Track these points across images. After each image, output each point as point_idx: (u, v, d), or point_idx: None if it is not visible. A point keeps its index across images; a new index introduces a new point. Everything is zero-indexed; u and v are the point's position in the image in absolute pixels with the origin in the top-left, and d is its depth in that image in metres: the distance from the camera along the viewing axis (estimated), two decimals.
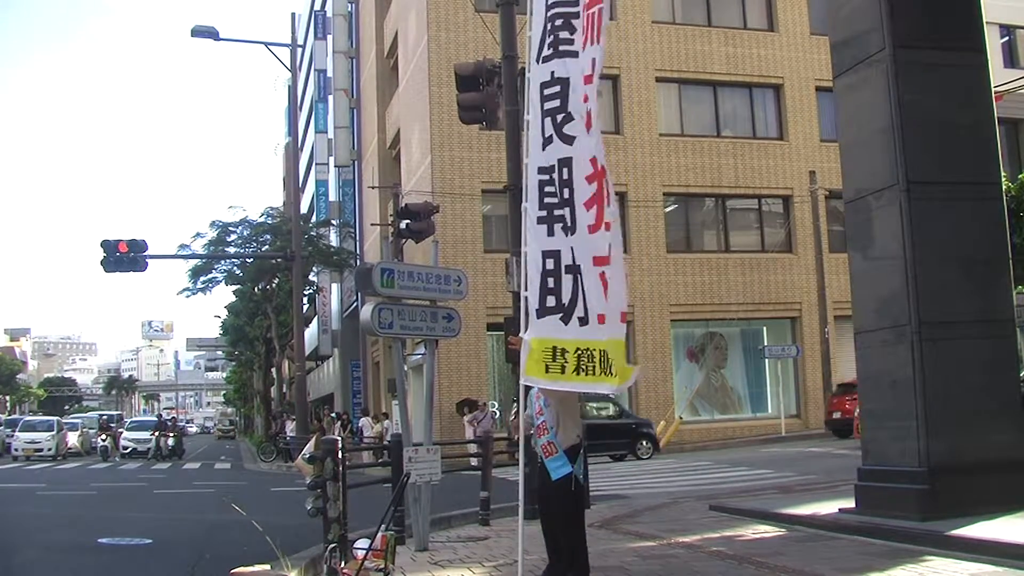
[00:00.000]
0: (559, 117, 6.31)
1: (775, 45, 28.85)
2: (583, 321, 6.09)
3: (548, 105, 6.40)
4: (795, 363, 27.88)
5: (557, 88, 6.35)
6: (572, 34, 6.33)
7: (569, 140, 6.25)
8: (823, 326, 26.65)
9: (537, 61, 6.54)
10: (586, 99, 6.18)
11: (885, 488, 8.50)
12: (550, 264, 6.29)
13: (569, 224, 6.22)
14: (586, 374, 6.02)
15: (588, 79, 6.20)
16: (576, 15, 6.32)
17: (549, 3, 6.50)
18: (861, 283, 9.28)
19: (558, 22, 6.41)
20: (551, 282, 6.27)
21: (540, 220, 6.39)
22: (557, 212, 6.30)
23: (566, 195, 6.24)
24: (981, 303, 8.64)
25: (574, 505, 6.49)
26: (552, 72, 6.39)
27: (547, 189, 6.38)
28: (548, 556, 6.69)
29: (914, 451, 8.24)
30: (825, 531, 8.70)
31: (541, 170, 6.42)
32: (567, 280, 6.20)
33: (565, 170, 6.23)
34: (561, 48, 6.37)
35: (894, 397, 8.58)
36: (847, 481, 9.99)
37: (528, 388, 6.74)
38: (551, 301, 6.26)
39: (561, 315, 6.19)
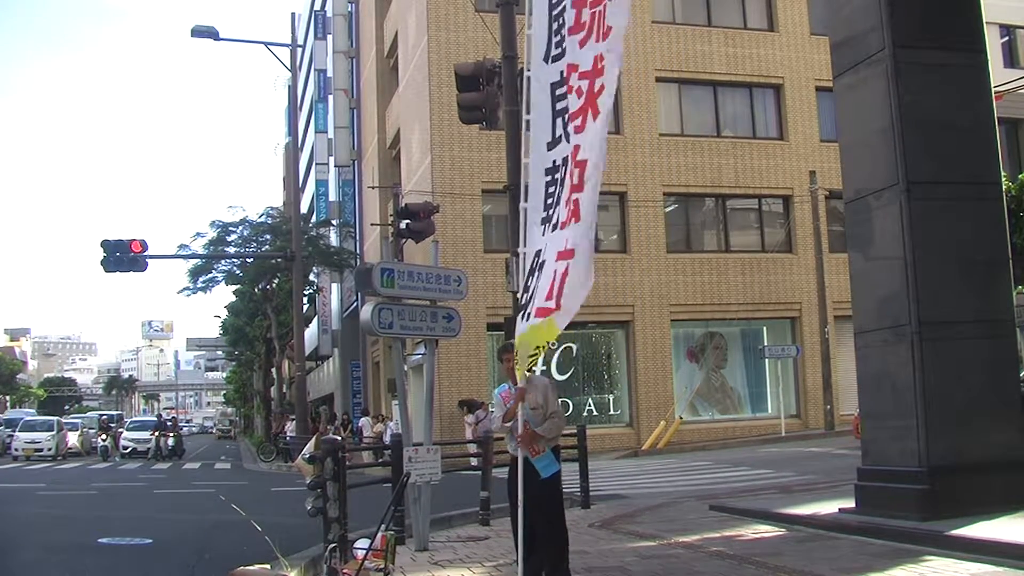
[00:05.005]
0: (567, 116, 6.24)
1: (775, 45, 28.84)
2: (528, 316, 6.18)
3: (559, 105, 6.33)
4: (795, 363, 27.86)
5: (565, 88, 6.27)
6: (570, 33, 6.28)
7: (568, 137, 6.24)
8: (823, 326, 26.63)
9: (546, 61, 6.46)
10: (579, 93, 6.07)
11: (885, 488, 8.50)
12: (536, 262, 6.34)
13: (555, 221, 6.22)
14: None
15: (584, 75, 6.08)
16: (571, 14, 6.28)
17: (552, 2, 6.45)
18: (861, 283, 9.28)
19: (561, 20, 6.35)
20: (531, 280, 6.36)
21: (543, 220, 6.39)
22: (552, 211, 6.30)
23: (560, 193, 6.25)
24: (981, 303, 8.63)
25: (561, 498, 6.67)
26: (561, 72, 6.32)
27: (550, 190, 6.36)
28: (525, 554, 6.44)
29: (914, 451, 8.24)
30: (825, 531, 8.70)
31: (547, 171, 6.39)
32: (536, 276, 6.27)
33: (563, 168, 6.23)
34: (565, 46, 6.31)
35: (894, 397, 8.58)
36: (847, 481, 9.98)
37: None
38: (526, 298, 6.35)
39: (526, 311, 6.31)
